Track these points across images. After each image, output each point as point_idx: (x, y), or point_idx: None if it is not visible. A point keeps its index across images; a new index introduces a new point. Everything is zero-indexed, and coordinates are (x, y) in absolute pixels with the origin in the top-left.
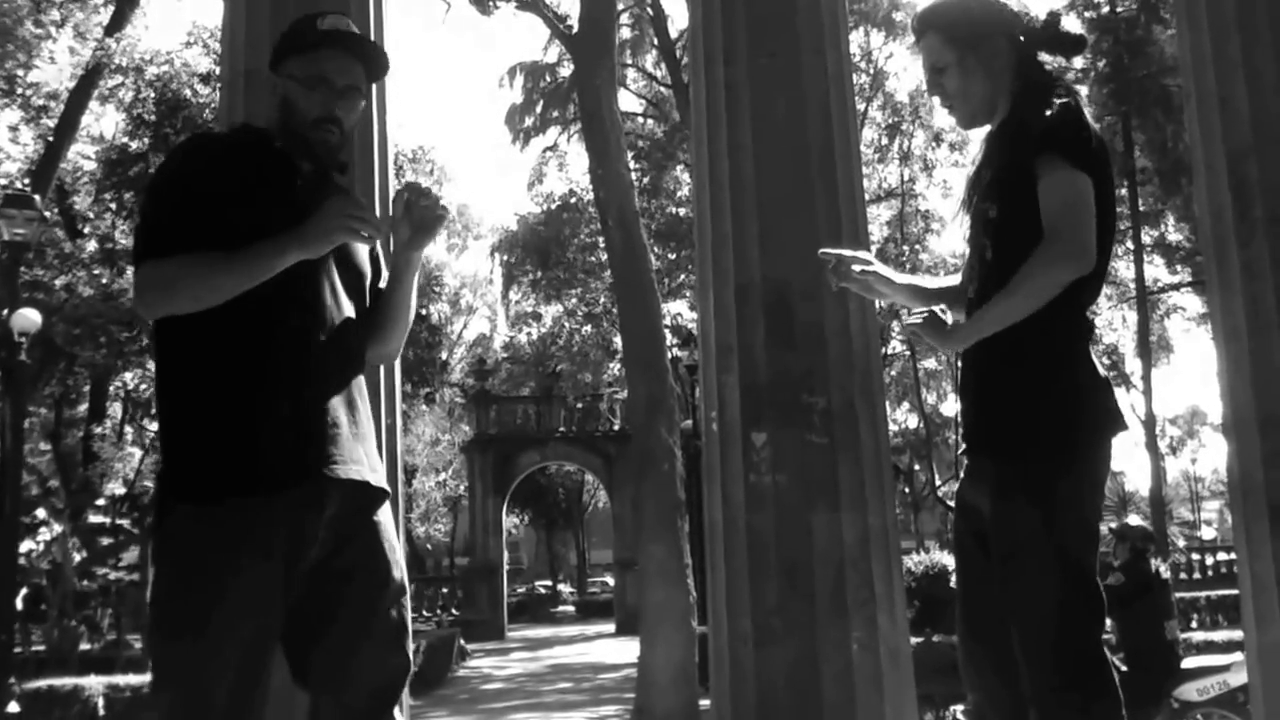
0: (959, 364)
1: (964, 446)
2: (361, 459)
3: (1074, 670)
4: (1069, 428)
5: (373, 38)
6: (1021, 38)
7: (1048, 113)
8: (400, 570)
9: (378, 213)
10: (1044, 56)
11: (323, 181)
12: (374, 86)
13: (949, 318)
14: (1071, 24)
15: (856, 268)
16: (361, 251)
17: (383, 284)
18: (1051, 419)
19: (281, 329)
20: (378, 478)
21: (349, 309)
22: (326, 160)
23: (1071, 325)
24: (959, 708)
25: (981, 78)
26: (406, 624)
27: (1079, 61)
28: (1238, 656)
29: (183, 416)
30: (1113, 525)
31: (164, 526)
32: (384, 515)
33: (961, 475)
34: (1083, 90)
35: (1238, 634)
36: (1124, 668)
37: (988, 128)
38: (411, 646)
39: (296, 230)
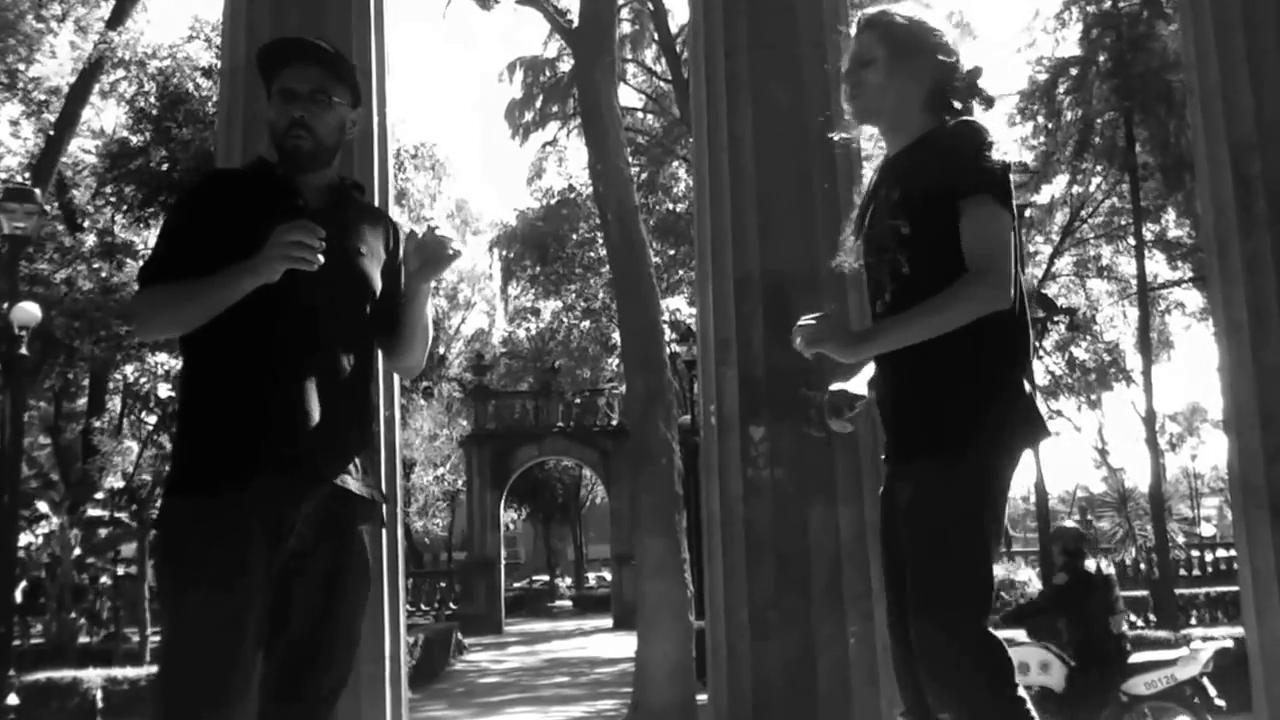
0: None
1: (885, 453)
2: (344, 462)
3: (965, 653)
4: (994, 427)
5: (372, 34)
6: (941, 76)
7: (979, 152)
8: (367, 580)
9: (377, 205)
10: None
11: (340, 203)
12: (374, 84)
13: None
14: (989, 84)
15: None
16: (375, 268)
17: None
18: (977, 418)
19: (264, 341)
20: (361, 485)
21: (351, 323)
22: (298, 167)
23: (999, 333)
24: None
25: (899, 85)
26: (355, 634)
27: (1077, 51)
28: (1184, 651)
29: (181, 417)
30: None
31: (158, 516)
32: (365, 526)
33: (884, 482)
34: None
35: (1239, 630)
36: (1073, 663)
37: (879, 140)
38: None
39: (249, 260)
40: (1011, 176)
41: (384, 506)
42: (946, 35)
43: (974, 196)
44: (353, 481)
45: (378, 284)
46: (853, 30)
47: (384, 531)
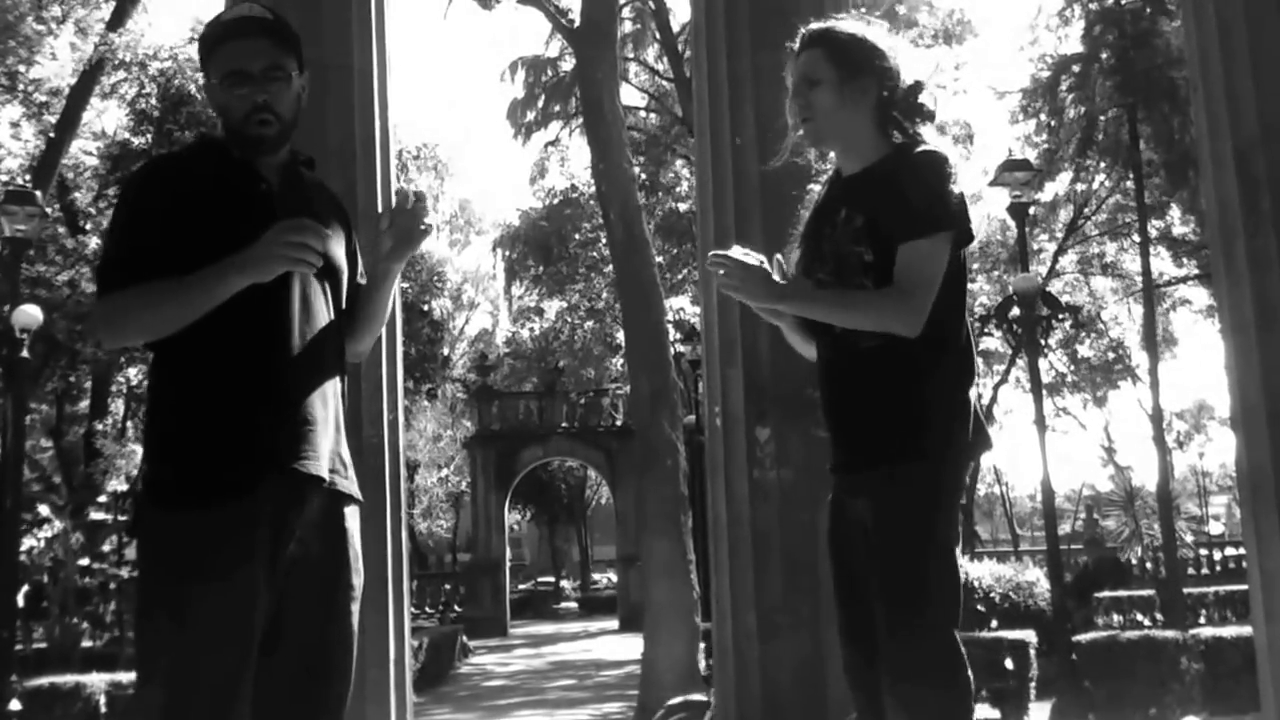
0: (823, 387)
1: (837, 462)
2: (331, 459)
3: (932, 657)
4: (953, 436)
5: (374, 34)
6: (886, 94)
7: (943, 187)
8: (359, 578)
9: (380, 209)
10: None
11: (295, 182)
12: (375, 85)
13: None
14: (929, 98)
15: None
16: (338, 248)
17: (361, 280)
18: (940, 429)
19: (253, 337)
20: (347, 483)
21: (324, 311)
22: (261, 152)
23: (948, 353)
24: None
25: (849, 107)
26: (354, 635)
27: (1080, 48)
28: None
29: (161, 423)
30: None
31: (144, 530)
32: (352, 523)
33: (834, 491)
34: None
35: (1247, 630)
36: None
37: (834, 161)
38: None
39: (240, 256)
40: (970, 210)
41: (360, 505)
42: (890, 51)
43: (928, 236)
44: (339, 478)
45: (345, 268)
46: (795, 45)
47: (388, 534)
